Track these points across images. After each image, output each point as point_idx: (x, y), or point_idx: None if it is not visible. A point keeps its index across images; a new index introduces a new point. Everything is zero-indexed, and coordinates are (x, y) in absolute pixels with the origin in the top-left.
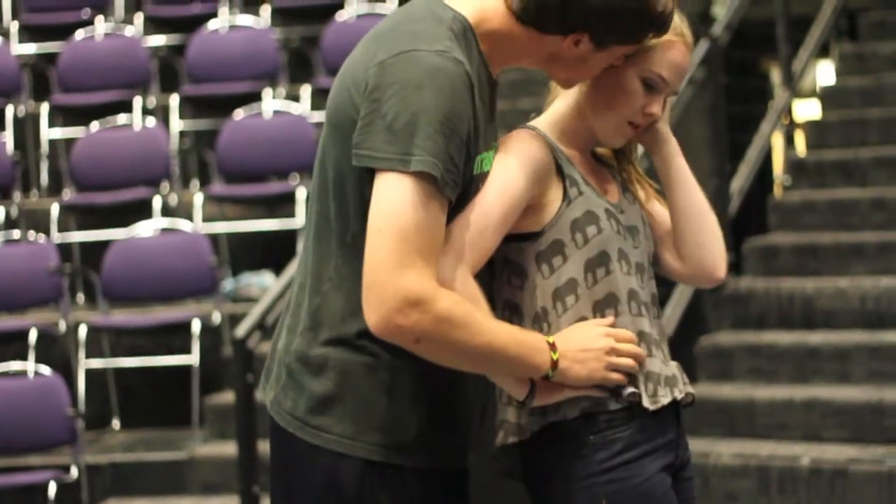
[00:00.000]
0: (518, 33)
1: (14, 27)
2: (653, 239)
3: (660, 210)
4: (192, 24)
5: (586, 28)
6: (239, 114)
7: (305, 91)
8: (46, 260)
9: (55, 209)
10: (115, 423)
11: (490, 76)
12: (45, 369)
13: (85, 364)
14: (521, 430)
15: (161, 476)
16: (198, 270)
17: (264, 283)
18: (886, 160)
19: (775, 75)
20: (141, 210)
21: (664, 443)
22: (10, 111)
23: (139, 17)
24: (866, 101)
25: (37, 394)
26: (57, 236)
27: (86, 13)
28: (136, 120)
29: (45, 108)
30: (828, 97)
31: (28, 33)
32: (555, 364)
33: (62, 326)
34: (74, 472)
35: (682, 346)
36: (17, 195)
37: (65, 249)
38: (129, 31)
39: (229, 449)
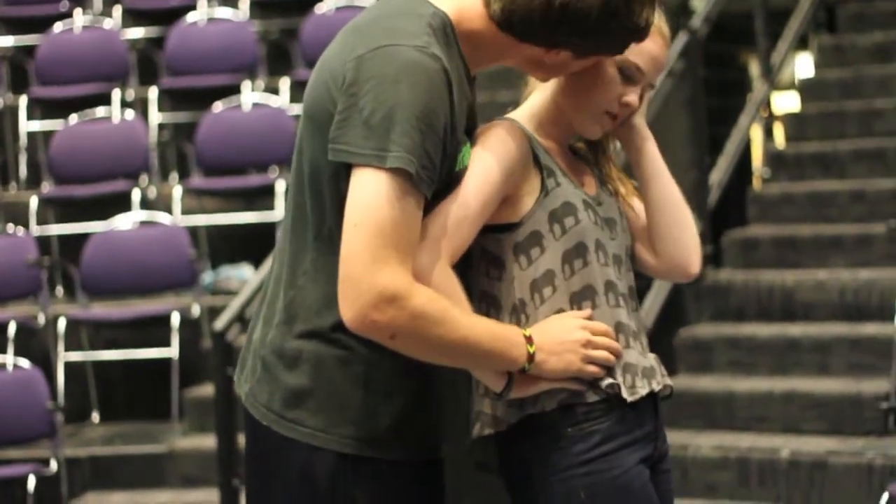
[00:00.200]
0: (496, 37)
1: None
2: (630, 233)
3: (637, 206)
4: (170, 17)
5: (568, 44)
6: (218, 106)
7: (284, 83)
8: (25, 253)
9: (34, 202)
10: (95, 417)
11: (468, 72)
12: (24, 362)
13: (64, 357)
14: (498, 421)
15: (140, 469)
16: (177, 263)
17: (243, 276)
18: (865, 152)
19: (754, 68)
20: (120, 203)
21: (642, 435)
22: None
23: (118, 10)
24: (845, 94)
25: (16, 387)
26: (36, 229)
27: (64, 5)
28: (115, 112)
29: (23, 101)
30: (806, 89)
31: (6, 26)
32: (531, 357)
33: (41, 319)
34: (54, 465)
35: (661, 338)
36: None
37: (44, 242)
38: (108, 23)
39: (209, 442)
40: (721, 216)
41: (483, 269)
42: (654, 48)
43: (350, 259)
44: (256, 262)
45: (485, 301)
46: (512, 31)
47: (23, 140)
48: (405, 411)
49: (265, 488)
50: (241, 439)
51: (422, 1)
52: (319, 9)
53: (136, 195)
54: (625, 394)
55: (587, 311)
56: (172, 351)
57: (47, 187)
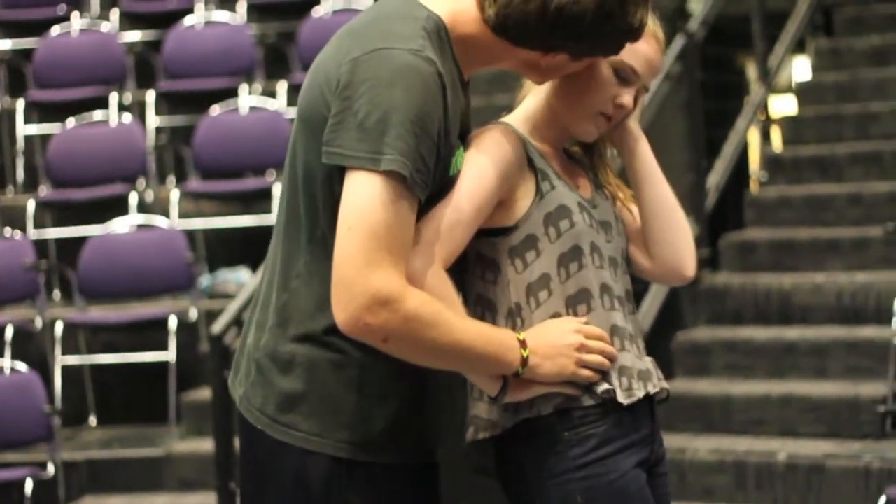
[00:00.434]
0: (491, 41)
1: None
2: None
3: (634, 209)
4: (167, 20)
5: (564, 48)
6: (215, 110)
7: (282, 87)
8: (22, 256)
9: (31, 206)
10: (92, 420)
11: (462, 76)
12: (22, 366)
13: (61, 360)
14: (494, 425)
15: (138, 473)
16: (174, 267)
17: (241, 280)
18: (862, 156)
19: (751, 71)
20: (117, 206)
21: (639, 438)
22: None
23: (115, 13)
24: (842, 97)
25: (13, 391)
26: (33, 233)
27: (61, 9)
28: (112, 116)
29: (20, 105)
30: (804, 93)
31: (3, 29)
32: (525, 361)
33: (38, 323)
34: (51, 468)
35: (658, 341)
36: None
37: (41, 246)
38: (105, 26)
39: (206, 445)
40: (718, 219)
41: (478, 272)
42: (649, 50)
43: (343, 262)
44: (254, 266)
45: (480, 305)
46: (507, 36)
47: (20, 143)
48: (400, 415)
49: (259, 492)
50: (238, 442)
51: (416, 4)
52: (317, 12)
53: (133, 199)
54: (620, 397)
55: (583, 319)
56: (170, 354)
57: (44, 191)
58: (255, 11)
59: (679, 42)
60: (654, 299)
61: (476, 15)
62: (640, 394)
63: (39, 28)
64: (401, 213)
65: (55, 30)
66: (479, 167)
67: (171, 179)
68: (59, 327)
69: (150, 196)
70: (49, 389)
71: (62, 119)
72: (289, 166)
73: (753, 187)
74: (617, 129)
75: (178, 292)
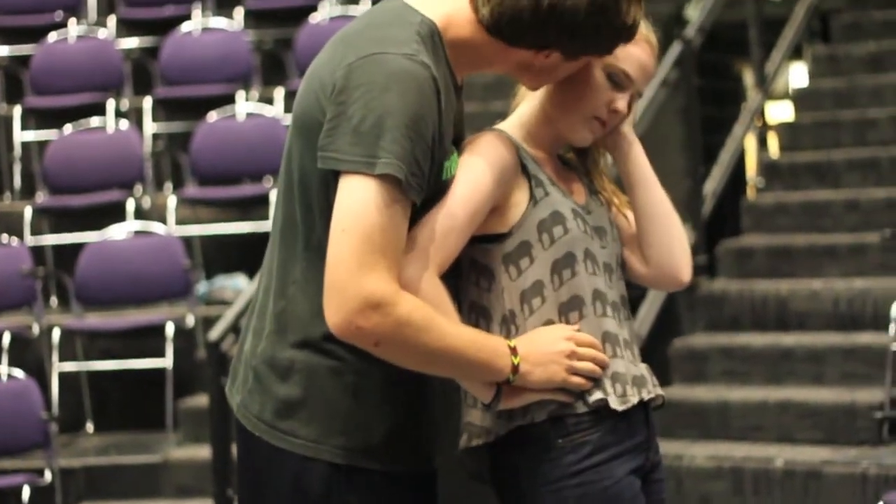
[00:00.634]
0: (485, 42)
1: None
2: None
3: (630, 215)
4: (165, 27)
5: (558, 45)
6: (212, 116)
7: (279, 93)
8: (20, 263)
9: (28, 212)
10: (89, 427)
11: (455, 81)
12: (19, 373)
13: (58, 367)
14: (488, 432)
15: (135, 479)
16: (171, 273)
17: (238, 286)
18: (859, 162)
19: (748, 77)
20: (114, 213)
21: (633, 445)
22: None
23: (112, 20)
24: (839, 103)
25: (10, 397)
26: (30, 239)
27: (58, 15)
28: (110, 122)
29: (17, 111)
30: (801, 99)
31: (0, 35)
32: (516, 368)
33: (35, 329)
34: (48, 475)
35: (655, 348)
36: None
37: (38, 252)
38: (102, 33)
39: (203, 452)
40: (715, 226)
41: (473, 279)
42: (642, 55)
43: (336, 265)
44: (251, 272)
45: (474, 312)
46: (501, 35)
47: (17, 150)
48: (397, 421)
49: (258, 499)
50: (236, 450)
51: (410, 9)
52: (314, 19)
53: (130, 205)
54: (614, 403)
55: (575, 327)
56: (167, 361)
57: (42, 197)
58: (252, 18)
59: (676, 48)
60: (651, 306)
61: (470, 16)
62: (634, 400)
63: (36, 34)
64: (395, 217)
65: (52, 36)
66: (474, 173)
67: (168, 186)
68: (56, 334)
69: (147, 202)
70: (46, 396)
71: (59, 125)
72: (284, 172)
73: (750, 194)
74: (611, 134)
75: (176, 299)
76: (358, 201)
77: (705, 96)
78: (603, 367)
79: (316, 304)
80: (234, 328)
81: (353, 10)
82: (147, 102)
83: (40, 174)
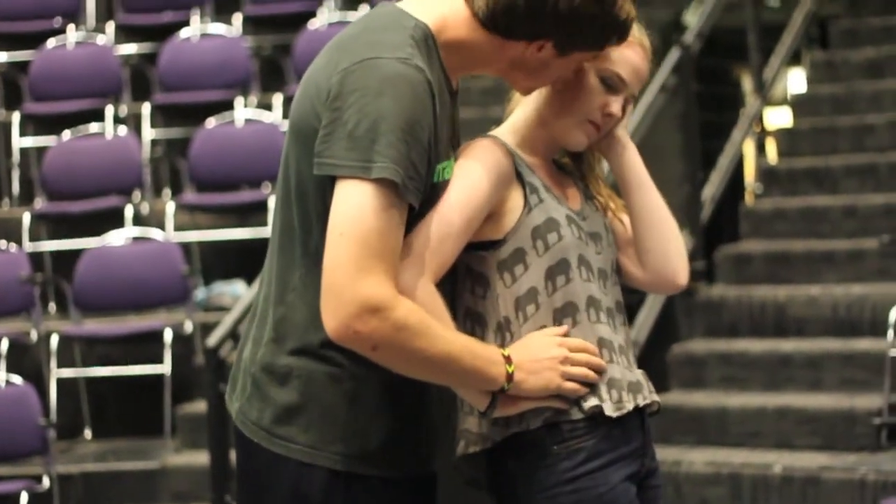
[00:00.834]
0: (480, 39)
1: None
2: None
3: (626, 220)
4: (163, 33)
5: (551, 34)
6: (211, 122)
7: (277, 99)
8: (18, 269)
9: (27, 218)
10: (87, 433)
11: (450, 84)
12: (17, 379)
13: (56, 373)
14: (484, 439)
15: (133, 486)
16: (170, 279)
17: (236, 292)
18: (857, 168)
19: (747, 83)
20: (113, 219)
21: (629, 452)
22: None
23: (111, 26)
24: (837, 109)
25: (8, 403)
26: (28, 245)
27: (57, 21)
28: (108, 128)
29: (16, 117)
30: (799, 105)
31: None
32: (510, 377)
33: (34, 336)
34: (46, 481)
35: (654, 354)
36: None
37: (36, 258)
38: (101, 39)
39: (201, 458)
40: (714, 231)
41: (468, 286)
42: (636, 58)
43: (334, 269)
44: (249, 279)
45: (470, 319)
46: (496, 27)
47: (15, 156)
48: (396, 427)
49: None
50: (234, 456)
51: (404, 14)
52: (312, 25)
53: (128, 211)
54: (609, 410)
55: (564, 328)
56: (165, 367)
57: (40, 203)
58: (250, 24)
59: (675, 54)
60: (649, 311)
61: (465, 15)
62: (629, 406)
63: (35, 40)
64: (392, 221)
65: (51, 42)
66: (469, 180)
67: (167, 192)
68: (54, 340)
69: (145, 209)
70: (44, 402)
71: (58, 131)
72: (282, 179)
73: (749, 199)
74: (605, 137)
75: (174, 305)
76: (354, 206)
77: (704, 102)
78: (599, 371)
79: (314, 311)
80: (233, 334)
81: (352, 15)
82: (146, 108)
83: (39, 180)
